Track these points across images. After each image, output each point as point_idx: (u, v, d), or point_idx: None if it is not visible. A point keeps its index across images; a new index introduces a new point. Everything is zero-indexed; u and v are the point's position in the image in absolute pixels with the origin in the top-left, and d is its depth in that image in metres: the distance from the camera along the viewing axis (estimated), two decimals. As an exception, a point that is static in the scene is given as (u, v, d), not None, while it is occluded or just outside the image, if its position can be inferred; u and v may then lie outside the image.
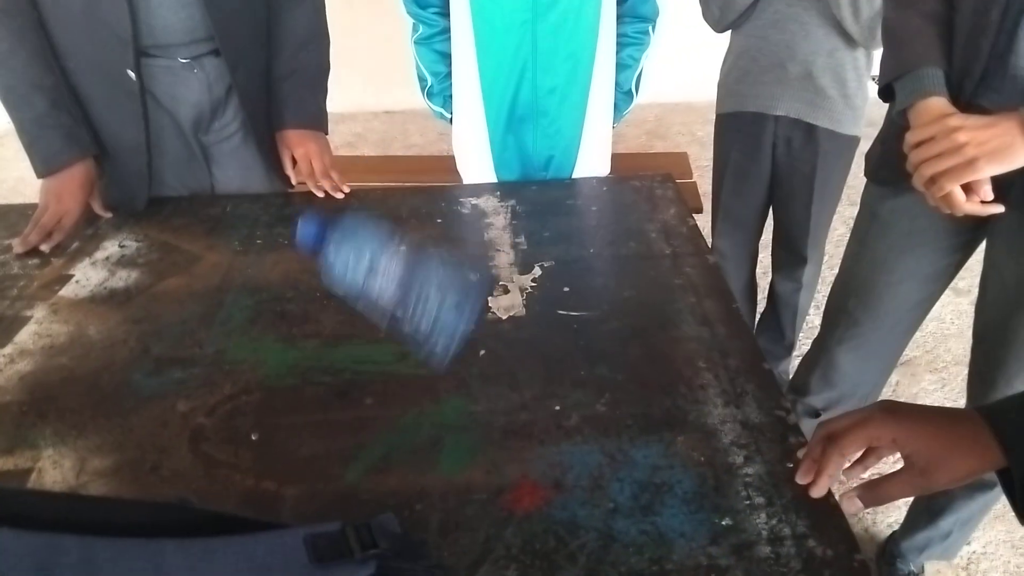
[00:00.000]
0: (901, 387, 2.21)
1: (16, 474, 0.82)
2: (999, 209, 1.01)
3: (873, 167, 1.33)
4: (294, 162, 1.45)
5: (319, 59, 1.47)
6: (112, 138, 1.32)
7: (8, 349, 1.03)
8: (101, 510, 0.51)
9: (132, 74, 1.25)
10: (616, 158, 1.76)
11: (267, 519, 0.55)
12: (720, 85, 1.91)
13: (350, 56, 2.92)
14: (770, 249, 2.11)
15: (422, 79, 1.64)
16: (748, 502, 0.76)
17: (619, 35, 1.56)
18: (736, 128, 1.87)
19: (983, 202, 1.01)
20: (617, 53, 1.58)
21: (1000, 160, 0.96)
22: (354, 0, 2.51)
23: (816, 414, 1.61)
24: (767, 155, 1.86)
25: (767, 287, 2.21)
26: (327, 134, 1.50)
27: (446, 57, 1.59)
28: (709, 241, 2.07)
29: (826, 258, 2.22)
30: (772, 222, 2.04)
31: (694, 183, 2.33)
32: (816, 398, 1.60)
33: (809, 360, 1.61)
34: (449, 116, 1.66)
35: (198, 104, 1.36)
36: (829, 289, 1.55)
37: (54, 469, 0.82)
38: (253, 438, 0.86)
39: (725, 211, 2.02)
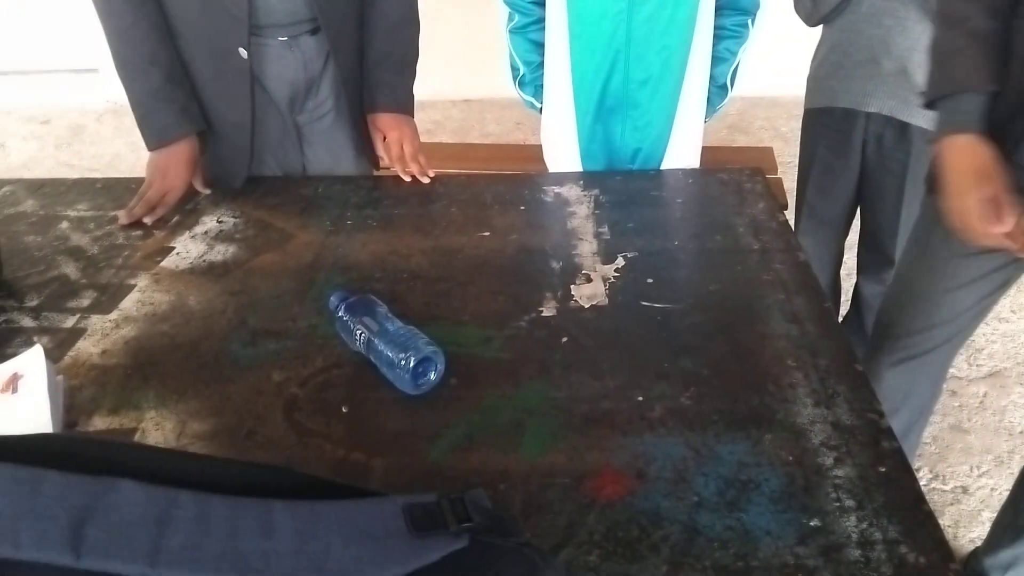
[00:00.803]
0: (989, 398, 2.12)
1: (121, 432, 0.87)
2: None
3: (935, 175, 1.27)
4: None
5: (410, 44, 1.49)
6: (218, 115, 1.37)
7: (114, 315, 1.08)
8: (212, 469, 0.53)
9: (244, 52, 1.29)
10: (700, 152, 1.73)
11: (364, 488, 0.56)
12: (810, 79, 1.85)
13: (428, 44, 2.93)
14: (855, 250, 2.04)
15: (515, 68, 1.63)
16: (838, 504, 0.74)
17: (717, 27, 1.53)
18: (825, 124, 1.81)
19: None
20: (714, 46, 1.54)
21: None
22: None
23: None
24: (856, 153, 1.79)
25: (850, 289, 2.14)
26: (413, 117, 1.52)
27: (540, 46, 1.59)
28: (793, 239, 2.02)
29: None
30: (859, 222, 1.97)
31: (779, 179, 2.27)
32: None
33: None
34: (539, 106, 1.65)
35: (294, 82, 1.41)
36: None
37: (156, 430, 0.87)
38: (344, 410, 0.89)
39: (810, 208, 1.97)
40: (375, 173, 1.55)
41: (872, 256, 1.97)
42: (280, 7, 1.31)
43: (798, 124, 2.00)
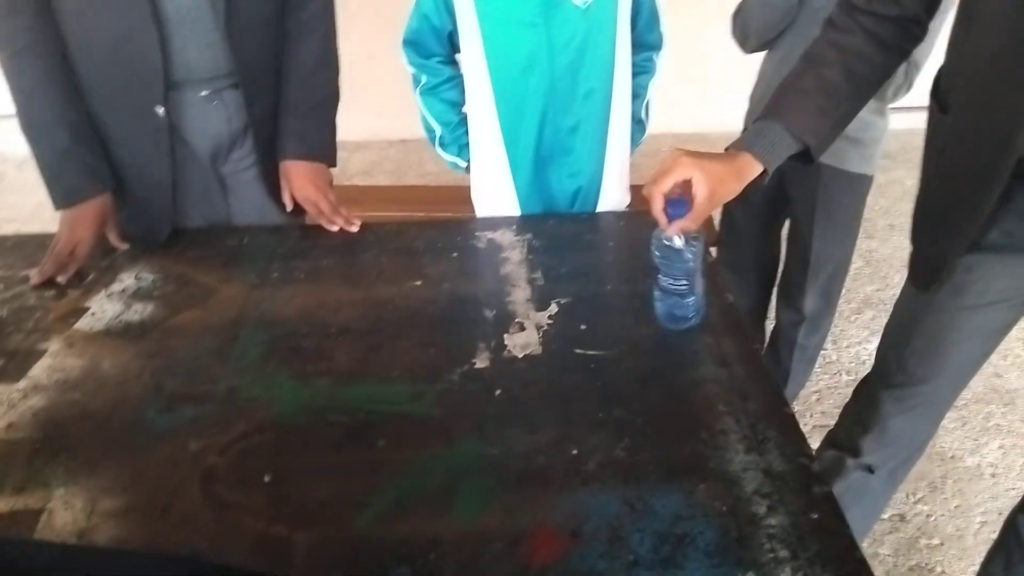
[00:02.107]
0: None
1: (27, 515, 0.81)
2: None
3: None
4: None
5: (327, 89, 1.47)
6: (136, 172, 1.33)
7: (22, 384, 1.02)
8: (111, 563, 0.49)
9: (161, 110, 1.26)
10: (633, 191, 1.75)
11: (279, 572, 0.53)
12: (750, 99, 1.92)
13: (364, 84, 2.94)
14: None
15: (430, 130, 1.61)
16: (772, 555, 0.73)
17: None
18: None
19: None
20: None
21: None
22: (369, 28, 2.54)
23: (871, 470, 1.49)
24: (773, 176, 1.86)
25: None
26: (333, 165, 1.49)
27: (455, 105, 1.58)
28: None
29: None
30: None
31: (709, 217, 2.31)
32: (871, 456, 1.47)
33: (858, 418, 1.49)
34: (465, 164, 1.64)
35: (217, 136, 1.38)
36: (879, 339, 1.46)
37: (65, 510, 0.81)
38: (266, 480, 0.85)
39: (728, 219, 2.04)
40: (305, 222, 1.52)
41: (786, 282, 2.03)
42: (199, 63, 1.28)
43: None
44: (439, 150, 1.64)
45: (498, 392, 0.98)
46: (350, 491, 0.83)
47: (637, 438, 0.89)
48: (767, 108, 1.14)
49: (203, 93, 1.32)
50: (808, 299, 1.96)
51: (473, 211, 1.69)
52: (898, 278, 2.89)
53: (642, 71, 1.60)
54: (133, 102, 1.27)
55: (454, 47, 1.54)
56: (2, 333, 1.13)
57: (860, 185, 1.80)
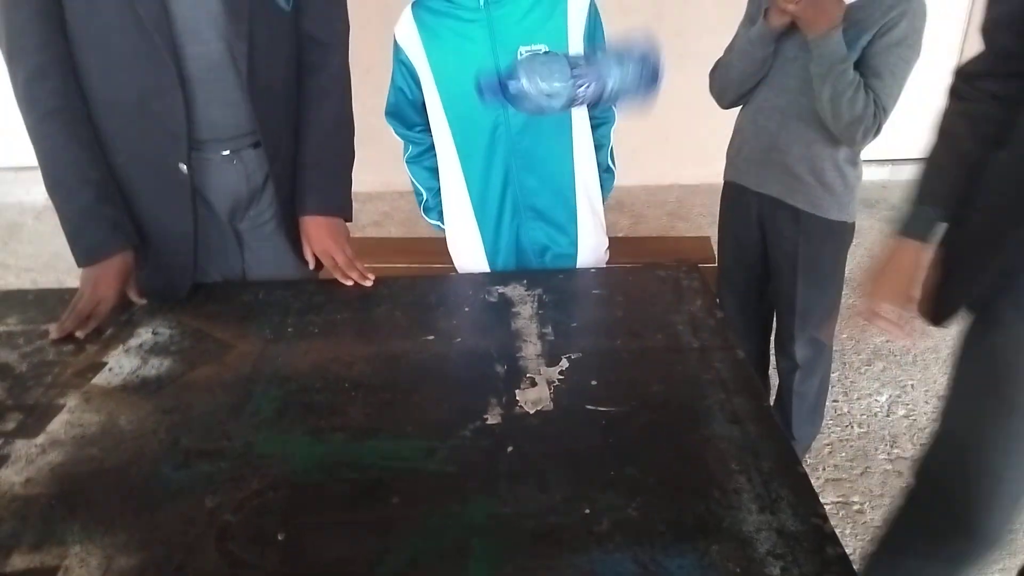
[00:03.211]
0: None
1: (43, 572, 0.82)
2: None
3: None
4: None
5: (344, 147, 1.51)
6: (158, 229, 1.36)
7: (40, 439, 1.03)
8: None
9: (184, 168, 1.30)
10: (639, 242, 1.79)
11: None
12: (727, 155, 1.99)
13: (376, 135, 2.99)
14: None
15: (418, 194, 1.70)
16: (786, 619, 0.73)
17: (589, 118, 1.62)
18: (732, 196, 1.96)
19: None
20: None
21: None
22: (382, 84, 2.61)
23: None
24: (756, 228, 1.93)
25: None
26: (350, 220, 1.53)
27: (437, 173, 1.64)
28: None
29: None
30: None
31: (717, 268, 2.33)
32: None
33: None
34: (444, 229, 1.71)
35: (236, 194, 1.41)
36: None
37: (80, 567, 0.82)
38: (280, 538, 0.85)
39: (725, 274, 2.09)
40: (319, 276, 1.54)
41: (779, 331, 2.05)
42: (222, 122, 1.32)
43: None
44: (424, 215, 1.72)
45: (510, 449, 0.99)
46: (363, 550, 0.83)
47: (649, 497, 0.89)
48: (920, 192, 1.25)
49: (224, 152, 1.36)
50: (798, 347, 1.99)
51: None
52: (907, 329, 2.88)
53: (603, 122, 1.66)
54: (157, 160, 1.30)
55: (424, 119, 1.60)
56: (21, 388, 1.15)
57: (841, 232, 1.85)
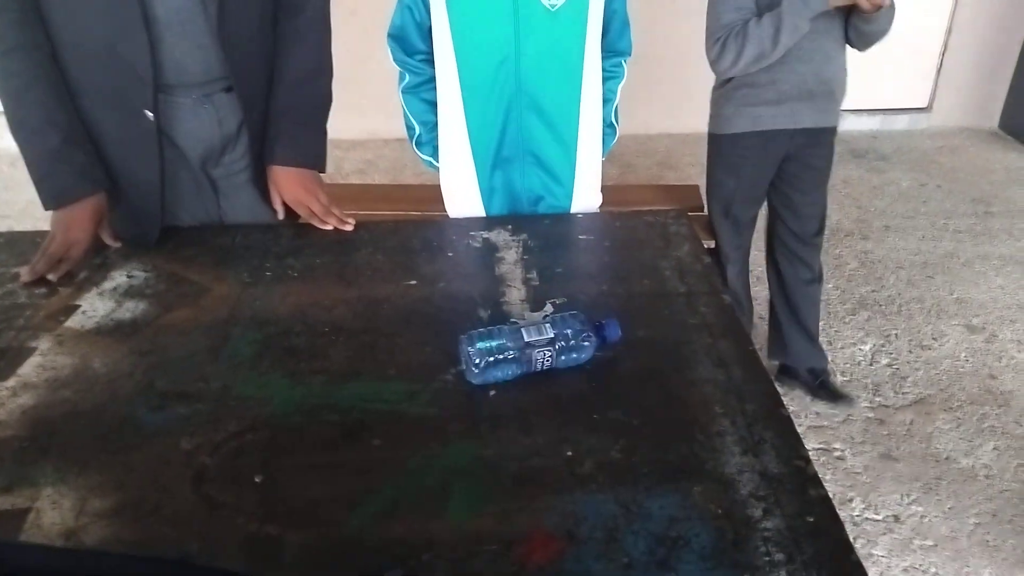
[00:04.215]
0: (916, 426, 2.17)
1: (13, 514, 0.80)
2: None
3: None
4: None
5: (318, 94, 1.45)
6: (126, 174, 1.32)
7: (11, 382, 1.01)
8: (100, 565, 0.49)
9: (150, 114, 1.25)
10: (627, 190, 1.77)
11: (270, 573, 0.53)
12: (727, 109, 2.09)
13: (360, 83, 2.92)
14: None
15: (410, 128, 1.63)
16: (768, 559, 0.73)
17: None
18: (750, 145, 2.11)
19: None
20: None
21: None
22: (367, 27, 2.54)
23: None
24: (773, 165, 2.16)
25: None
26: (322, 170, 1.47)
27: (434, 106, 1.58)
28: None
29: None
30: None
31: (706, 216, 2.31)
32: None
33: None
34: (438, 165, 1.65)
35: (208, 140, 1.36)
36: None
37: (53, 509, 0.80)
38: (257, 480, 0.84)
39: (734, 220, 2.23)
40: (300, 222, 1.51)
41: (792, 240, 2.19)
42: (191, 66, 1.27)
43: None
44: (415, 149, 1.66)
45: (492, 392, 0.97)
46: (343, 491, 0.82)
47: (633, 439, 0.89)
48: None
49: (194, 96, 1.30)
50: (819, 257, 2.21)
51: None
52: (893, 279, 2.89)
53: (611, 76, 1.62)
54: (122, 104, 1.25)
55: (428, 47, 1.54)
56: (-8, 330, 1.12)
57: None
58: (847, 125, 4.49)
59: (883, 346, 2.51)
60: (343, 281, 1.25)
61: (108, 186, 1.30)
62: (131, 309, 1.17)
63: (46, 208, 1.29)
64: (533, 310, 1.15)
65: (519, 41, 1.43)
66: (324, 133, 1.46)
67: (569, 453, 0.87)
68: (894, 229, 3.32)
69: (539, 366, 0.99)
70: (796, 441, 0.87)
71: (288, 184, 1.40)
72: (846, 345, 2.53)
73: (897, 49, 3.07)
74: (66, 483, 0.84)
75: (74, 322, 1.14)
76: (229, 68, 1.29)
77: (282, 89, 1.38)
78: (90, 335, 1.11)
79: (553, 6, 1.41)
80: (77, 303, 1.18)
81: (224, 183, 1.43)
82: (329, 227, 1.40)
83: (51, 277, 1.23)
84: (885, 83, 4.31)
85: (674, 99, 4.17)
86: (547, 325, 1.00)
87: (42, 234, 1.33)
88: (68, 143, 1.25)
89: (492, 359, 0.96)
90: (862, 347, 2.51)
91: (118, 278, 1.25)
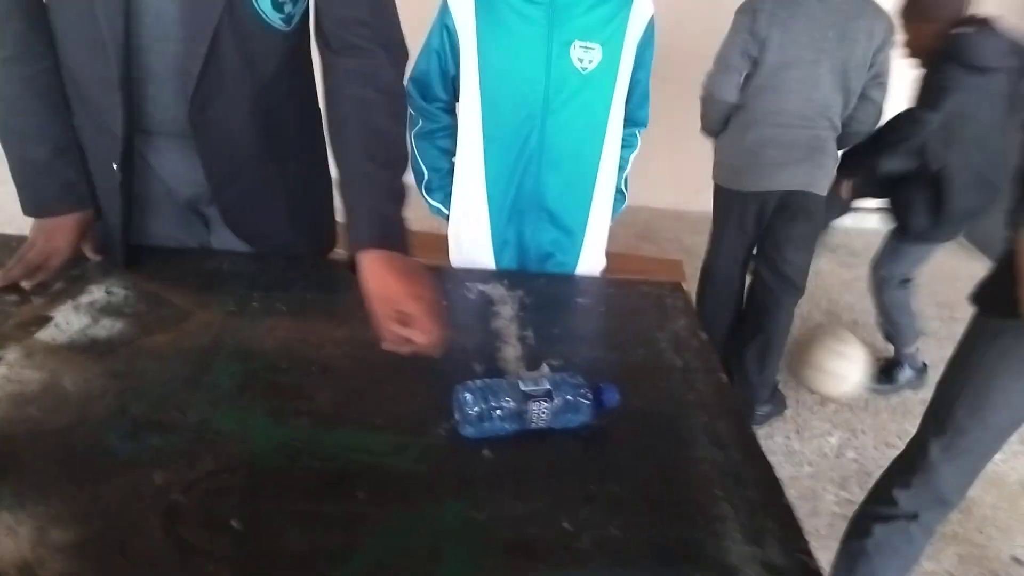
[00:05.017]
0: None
1: (-38, 539, 0.73)
2: None
3: (990, 299, 1.48)
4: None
5: (394, 161, 1.18)
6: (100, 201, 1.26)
7: (-28, 392, 0.94)
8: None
9: (115, 167, 1.17)
10: (610, 257, 1.75)
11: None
12: (734, 166, 2.43)
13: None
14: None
15: (418, 172, 1.61)
16: (774, 657, 0.69)
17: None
18: (748, 201, 2.44)
19: None
20: None
21: None
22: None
23: (914, 517, 1.61)
24: (757, 225, 2.53)
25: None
26: (406, 253, 1.12)
27: (447, 153, 1.58)
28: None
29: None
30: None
31: (689, 293, 2.32)
32: (914, 505, 1.60)
33: (907, 466, 1.61)
34: (447, 212, 1.63)
35: (195, 183, 1.26)
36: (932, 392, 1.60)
37: (7, 537, 0.73)
38: (234, 524, 0.78)
39: (724, 263, 2.59)
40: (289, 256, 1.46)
41: (782, 284, 2.49)
42: (170, 122, 1.17)
43: (701, 239, 2.27)
44: (424, 194, 1.64)
45: (486, 452, 0.93)
46: (325, 545, 0.77)
47: (631, 517, 0.85)
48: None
49: (178, 142, 1.21)
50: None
51: (446, 260, 1.67)
52: (859, 375, 2.92)
53: (626, 145, 1.64)
54: (96, 145, 1.21)
55: (456, 94, 1.54)
56: (-45, 335, 1.05)
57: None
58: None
59: (849, 440, 2.52)
60: (333, 320, 1.20)
61: (90, 206, 1.25)
62: (107, 327, 1.11)
63: (25, 214, 1.23)
64: (529, 369, 1.11)
65: (548, 98, 1.44)
66: (400, 207, 1.17)
67: (566, 525, 0.83)
68: (862, 325, 3.38)
69: (535, 423, 0.96)
70: (798, 533, 0.85)
71: (375, 274, 1.06)
72: (814, 435, 2.53)
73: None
74: (24, 509, 0.77)
75: (45, 334, 1.07)
76: (192, 130, 1.17)
77: (355, 159, 1.13)
78: (62, 350, 1.04)
79: (585, 69, 1.43)
80: (50, 315, 1.12)
81: (215, 222, 1.35)
82: (422, 344, 1.03)
83: (25, 285, 1.16)
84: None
85: (656, 174, 4.24)
86: (545, 382, 0.97)
87: (18, 239, 1.28)
88: (57, 156, 1.21)
89: (488, 411, 0.93)
90: (829, 439, 2.52)
91: (96, 293, 1.19)
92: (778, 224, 2.40)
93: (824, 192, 2.36)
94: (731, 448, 0.99)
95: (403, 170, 1.17)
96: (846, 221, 4.57)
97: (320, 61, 1.22)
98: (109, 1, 1.05)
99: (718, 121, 2.37)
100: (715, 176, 2.50)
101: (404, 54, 1.21)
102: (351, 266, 1.09)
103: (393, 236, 1.10)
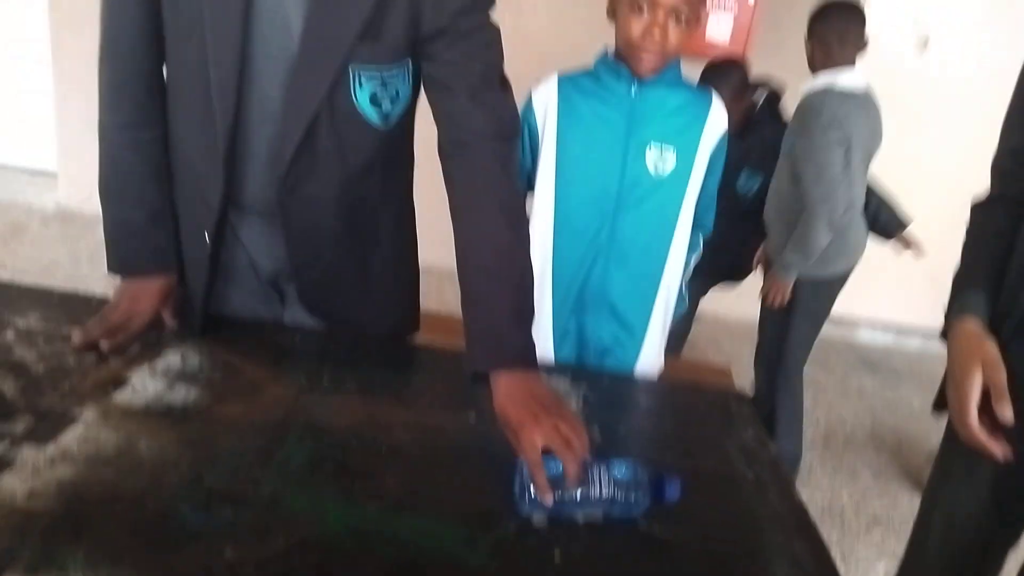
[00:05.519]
0: None
1: (37, 600, 0.72)
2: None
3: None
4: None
5: (517, 273, 1.16)
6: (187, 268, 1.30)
7: (50, 449, 0.94)
8: None
9: (207, 237, 1.22)
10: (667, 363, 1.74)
11: None
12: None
13: (419, 212, 2.99)
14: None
15: None
16: None
17: None
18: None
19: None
20: None
21: None
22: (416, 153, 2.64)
23: None
24: None
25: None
26: (533, 369, 1.10)
27: None
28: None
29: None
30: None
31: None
32: None
33: None
34: None
35: (282, 260, 1.30)
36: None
37: (82, 603, 0.72)
38: (308, 609, 0.76)
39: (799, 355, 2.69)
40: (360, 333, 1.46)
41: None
42: (265, 201, 1.21)
43: (741, 345, 2.24)
44: None
45: (557, 555, 0.91)
46: (401, 639, 0.74)
47: (713, 635, 0.81)
48: (967, 278, 1.25)
49: (268, 220, 1.26)
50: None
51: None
52: (907, 498, 2.82)
53: (690, 248, 1.65)
54: (191, 213, 1.26)
55: (530, 185, 1.58)
56: (36, 390, 1.06)
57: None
58: (862, 337, 4.57)
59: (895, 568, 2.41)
60: (401, 403, 1.20)
61: (175, 274, 1.29)
62: (182, 393, 1.11)
63: (110, 272, 1.27)
64: (597, 470, 1.09)
65: (621, 197, 1.47)
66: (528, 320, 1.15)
67: (645, 638, 0.79)
68: (906, 446, 3.29)
69: (593, 506, 0.95)
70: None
71: (508, 397, 1.05)
72: (860, 562, 2.42)
73: (915, 269, 3.16)
74: (97, 573, 0.76)
75: (122, 397, 1.08)
76: (280, 210, 1.20)
77: (475, 273, 1.14)
78: (138, 414, 1.05)
79: (658, 172, 1.46)
80: (127, 377, 1.13)
81: (291, 298, 1.38)
82: (572, 470, 0.94)
83: (104, 345, 1.18)
84: (899, 299, 4.43)
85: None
86: (607, 467, 0.97)
87: (98, 299, 1.31)
88: (152, 221, 1.25)
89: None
90: (876, 564, 2.41)
91: (171, 358, 1.20)
92: None
93: None
94: (808, 566, 0.95)
95: (530, 286, 1.16)
96: (888, 340, 4.54)
97: (443, 171, 1.22)
98: (223, 82, 1.11)
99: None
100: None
101: (517, 135, 1.23)
102: (476, 377, 1.11)
103: (518, 357, 1.10)
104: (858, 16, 2.32)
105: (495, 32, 1.19)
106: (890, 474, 3.03)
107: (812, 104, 2.31)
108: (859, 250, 2.52)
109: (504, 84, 1.20)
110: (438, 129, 1.21)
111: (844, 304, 2.72)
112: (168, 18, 1.15)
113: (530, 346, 1.11)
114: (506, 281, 1.12)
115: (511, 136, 1.22)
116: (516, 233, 1.16)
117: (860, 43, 2.32)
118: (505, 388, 1.06)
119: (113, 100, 1.22)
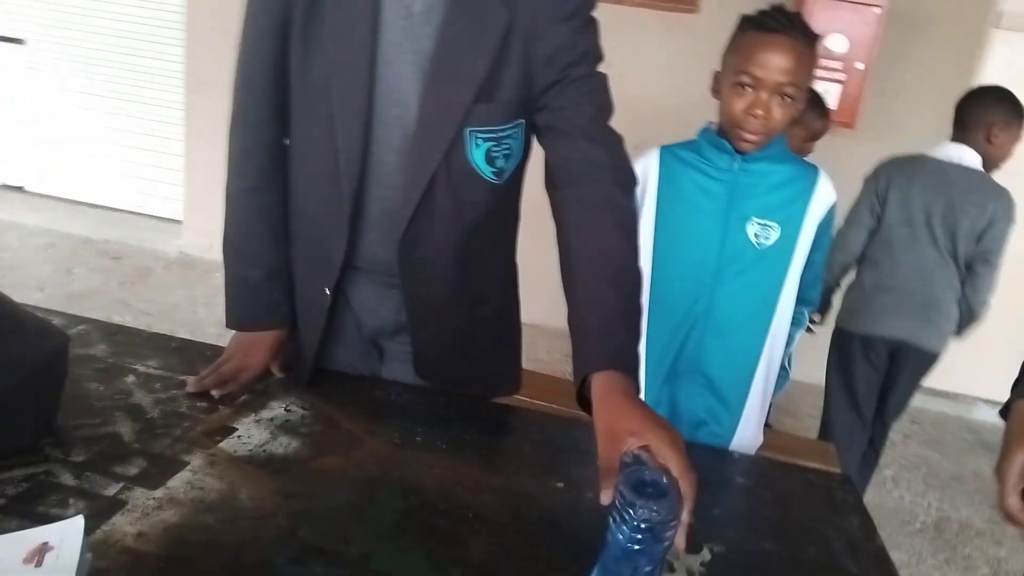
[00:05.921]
0: None
1: (140, 643, 0.75)
2: None
3: None
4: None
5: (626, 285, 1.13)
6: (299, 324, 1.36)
7: (159, 492, 0.99)
8: None
9: (328, 292, 1.27)
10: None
11: None
12: (856, 310, 2.73)
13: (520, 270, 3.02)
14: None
15: None
16: None
17: None
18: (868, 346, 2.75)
19: None
20: None
21: None
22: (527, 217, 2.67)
23: None
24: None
25: None
26: (634, 373, 1.06)
27: None
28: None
29: None
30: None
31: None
32: None
33: None
34: None
35: (383, 320, 1.36)
36: None
37: (180, 650, 0.75)
38: (392, 676, 0.76)
39: (854, 408, 2.84)
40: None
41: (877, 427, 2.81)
42: (383, 262, 1.26)
43: None
44: None
45: (645, 636, 0.88)
46: None
47: None
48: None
49: (380, 281, 1.32)
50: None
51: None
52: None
53: (795, 322, 1.60)
54: (309, 271, 1.32)
55: None
56: (150, 434, 1.13)
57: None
58: (980, 415, 4.27)
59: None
60: (489, 466, 1.20)
61: (288, 329, 1.35)
62: (284, 444, 1.15)
63: (228, 326, 1.34)
64: (689, 552, 1.05)
65: (720, 269, 1.45)
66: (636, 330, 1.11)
67: None
68: (984, 534, 3.02)
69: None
70: None
71: (605, 399, 1.01)
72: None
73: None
74: (195, 621, 0.79)
75: (228, 445, 1.13)
76: (400, 269, 1.25)
77: (587, 281, 1.11)
78: (242, 462, 1.09)
79: (761, 245, 1.44)
80: (234, 426, 1.18)
81: (389, 354, 1.43)
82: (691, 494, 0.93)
83: (215, 393, 1.24)
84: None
85: (805, 346, 4.11)
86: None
87: (212, 348, 1.38)
88: (269, 280, 1.32)
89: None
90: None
91: (276, 409, 1.25)
92: (888, 373, 2.69)
93: (934, 349, 2.60)
94: None
95: (639, 293, 1.12)
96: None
97: (551, 205, 1.21)
98: (350, 151, 1.18)
99: (842, 267, 2.69)
100: (836, 319, 2.76)
101: (634, 181, 1.21)
102: (580, 401, 1.08)
103: (627, 360, 1.04)
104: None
105: (604, 80, 1.21)
106: (1010, 567, 2.78)
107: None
108: (887, 317, 2.58)
109: (615, 132, 1.20)
110: (550, 170, 1.20)
111: (960, 381, 2.61)
112: (295, 94, 1.23)
113: (636, 353, 1.06)
114: (619, 288, 1.09)
115: (627, 168, 1.19)
116: (630, 245, 1.14)
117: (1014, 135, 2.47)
118: (610, 392, 0.99)
119: (240, 167, 1.31)
